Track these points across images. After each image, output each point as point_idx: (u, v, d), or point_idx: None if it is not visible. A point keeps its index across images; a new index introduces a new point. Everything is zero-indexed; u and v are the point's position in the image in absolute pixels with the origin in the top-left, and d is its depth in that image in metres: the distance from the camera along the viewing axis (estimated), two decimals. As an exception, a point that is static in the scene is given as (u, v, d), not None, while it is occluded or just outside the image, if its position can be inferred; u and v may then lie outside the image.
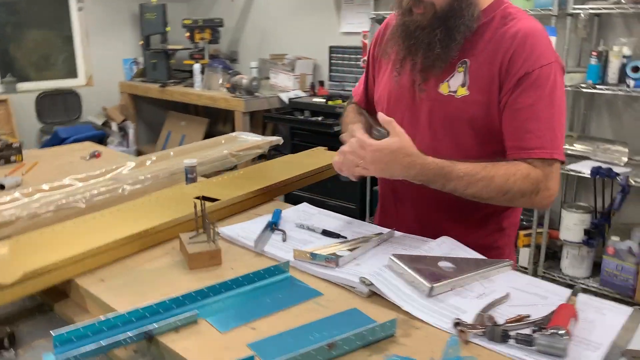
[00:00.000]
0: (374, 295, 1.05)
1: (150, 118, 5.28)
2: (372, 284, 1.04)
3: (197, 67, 4.52)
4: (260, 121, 4.72)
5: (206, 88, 4.50)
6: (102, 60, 4.98)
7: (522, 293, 1.05)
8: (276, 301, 1.03)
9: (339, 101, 3.91)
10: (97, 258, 1.17)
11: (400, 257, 1.09)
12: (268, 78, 4.46)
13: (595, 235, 3.04)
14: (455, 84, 1.24)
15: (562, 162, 1.20)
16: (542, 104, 1.18)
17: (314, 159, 1.93)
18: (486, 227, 1.36)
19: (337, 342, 0.85)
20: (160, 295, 1.05)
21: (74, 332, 0.89)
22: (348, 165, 1.22)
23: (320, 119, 3.89)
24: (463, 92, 1.23)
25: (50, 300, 1.15)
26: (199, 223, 1.26)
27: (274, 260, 1.20)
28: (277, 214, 1.40)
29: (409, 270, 1.06)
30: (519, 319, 0.96)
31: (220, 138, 2.26)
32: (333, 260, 1.13)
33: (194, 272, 1.15)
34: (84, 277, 1.14)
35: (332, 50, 4.18)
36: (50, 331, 0.86)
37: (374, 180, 3.87)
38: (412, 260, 1.09)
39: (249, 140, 2.23)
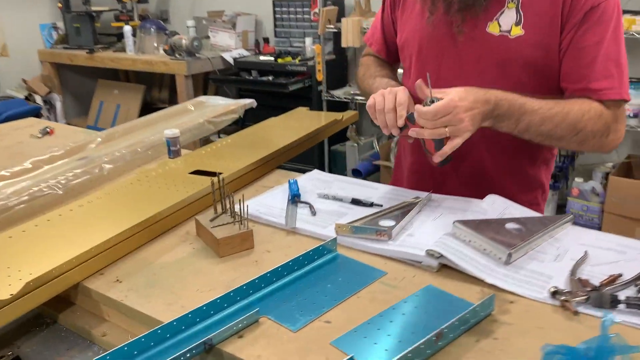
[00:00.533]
0: (443, 268, 0.93)
1: (77, 88, 4.83)
2: (441, 256, 0.92)
3: (127, 29, 4.14)
4: (200, 84, 4.43)
5: (140, 52, 4.14)
6: (15, 26, 4.46)
7: (597, 250, 0.97)
8: (338, 286, 0.89)
9: (289, 58, 3.70)
10: (106, 255, 0.97)
11: (465, 223, 0.97)
12: (207, 37, 4.16)
13: (560, 178, 3.08)
14: (508, 23, 1.11)
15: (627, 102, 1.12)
16: (609, 40, 1.08)
17: (303, 120, 1.77)
18: (532, 183, 1.27)
19: (443, 332, 0.72)
20: (196, 291, 0.89)
21: (117, 353, 0.71)
22: (389, 122, 1.07)
23: (270, 78, 3.69)
24: (518, 31, 1.10)
25: (52, 309, 0.95)
26: (217, 201, 1.08)
27: (310, 239, 1.05)
28: (294, 185, 1.24)
29: (481, 237, 0.94)
30: (613, 279, 0.87)
31: (186, 104, 2.04)
32: (384, 232, 1.00)
33: (225, 260, 0.99)
34: (94, 279, 0.94)
35: (276, 4, 3.93)
36: (94, 359, 0.68)
37: (331, 140, 3.74)
38: (478, 226, 0.97)
39: (220, 104, 2.03)
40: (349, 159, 3.74)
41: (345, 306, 0.84)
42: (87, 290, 0.92)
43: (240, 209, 1.03)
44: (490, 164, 1.23)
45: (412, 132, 1.04)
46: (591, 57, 1.08)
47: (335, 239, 0.99)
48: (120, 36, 4.31)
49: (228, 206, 1.08)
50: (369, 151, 3.70)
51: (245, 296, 0.85)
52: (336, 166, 3.81)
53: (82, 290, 0.93)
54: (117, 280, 0.94)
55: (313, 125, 1.64)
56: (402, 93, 1.08)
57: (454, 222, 0.98)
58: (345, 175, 3.72)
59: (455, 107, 0.99)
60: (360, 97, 3.41)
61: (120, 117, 4.48)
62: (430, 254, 0.93)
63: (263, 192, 1.28)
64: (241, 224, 1.03)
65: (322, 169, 3.77)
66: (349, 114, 1.81)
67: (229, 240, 0.99)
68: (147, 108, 4.42)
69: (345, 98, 3.56)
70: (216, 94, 4.45)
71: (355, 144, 3.66)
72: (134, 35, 4.16)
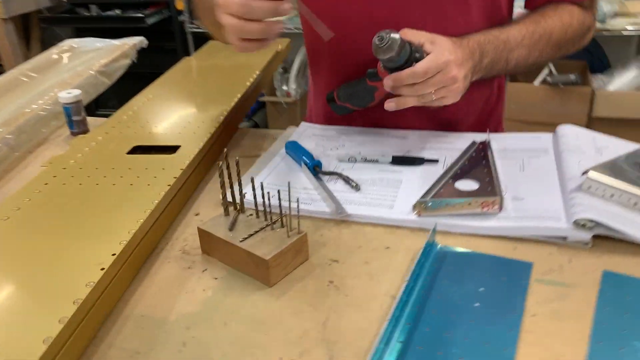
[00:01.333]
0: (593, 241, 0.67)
1: None
2: (595, 225, 0.65)
3: None
4: (20, 28, 3.59)
5: None
6: None
7: None
8: (489, 303, 0.58)
9: (137, -14, 3.09)
10: (86, 326, 0.56)
11: (601, 170, 0.71)
12: (20, -32, 3.32)
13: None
14: None
15: None
16: None
17: (232, 58, 1.35)
18: (495, 106, 1.07)
19: None
20: (276, 361, 0.53)
21: None
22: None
23: (119, 12, 3.05)
24: None
25: None
26: (226, 194, 0.70)
27: (376, 228, 0.72)
28: (300, 150, 0.88)
29: (628, 187, 0.69)
30: None
31: (51, 53, 1.50)
32: (494, 200, 0.70)
33: (284, 290, 0.62)
34: (81, 379, 0.53)
35: None
36: None
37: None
38: (612, 172, 0.72)
39: (101, 47, 1.52)
40: (227, 98, 3.30)
41: (529, 336, 0.54)
42: (76, 403, 0.51)
43: (280, 203, 0.66)
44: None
45: (391, 104, 0.80)
46: None
47: (434, 228, 0.67)
48: None
49: (242, 202, 0.71)
50: (248, 87, 3.30)
51: (384, 355, 0.51)
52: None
53: (62, 403, 0.52)
54: (127, 369, 0.53)
55: (257, 61, 1.25)
56: None
57: (585, 172, 0.71)
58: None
59: (448, 63, 0.76)
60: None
61: None
62: (581, 224, 0.66)
63: (250, 166, 0.90)
64: (283, 225, 0.66)
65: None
66: (285, 42, 1.43)
67: (280, 258, 0.63)
68: (-47, 65, 3.50)
69: (214, 28, 3.07)
70: (42, 39, 3.65)
71: (233, 80, 3.23)
72: None
